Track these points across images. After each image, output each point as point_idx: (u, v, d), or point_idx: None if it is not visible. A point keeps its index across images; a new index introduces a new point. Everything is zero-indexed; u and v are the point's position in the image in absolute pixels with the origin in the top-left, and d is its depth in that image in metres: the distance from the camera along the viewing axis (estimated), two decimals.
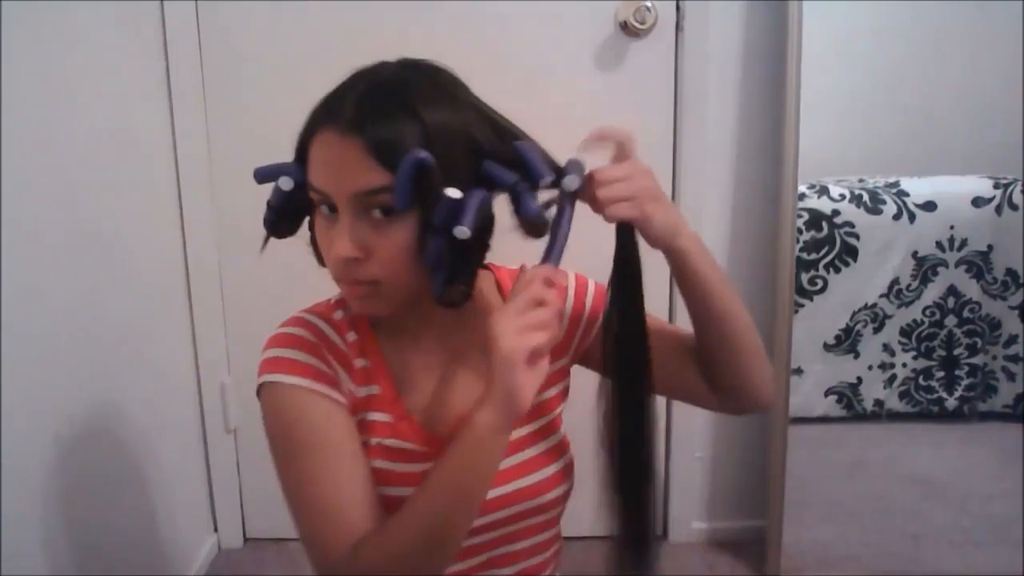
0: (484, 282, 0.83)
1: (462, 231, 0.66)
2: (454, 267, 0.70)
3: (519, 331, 0.66)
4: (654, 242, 0.73)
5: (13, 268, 1.04)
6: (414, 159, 0.65)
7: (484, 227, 0.72)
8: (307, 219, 0.78)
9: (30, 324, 1.08)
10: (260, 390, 0.77)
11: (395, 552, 0.70)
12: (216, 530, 1.78)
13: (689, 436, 1.74)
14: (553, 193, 0.73)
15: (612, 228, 0.75)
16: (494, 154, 0.70)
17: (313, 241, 0.77)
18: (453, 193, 0.67)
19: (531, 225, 0.71)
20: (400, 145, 0.66)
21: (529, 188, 0.70)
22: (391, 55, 0.76)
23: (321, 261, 0.77)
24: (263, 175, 0.75)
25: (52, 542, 1.13)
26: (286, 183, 0.73)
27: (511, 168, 0.70)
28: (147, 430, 1.46)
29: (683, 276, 0.76)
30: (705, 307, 0.78)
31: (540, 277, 0.69)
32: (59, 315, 1.17)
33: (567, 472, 0.85)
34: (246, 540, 1.81)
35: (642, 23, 1.52)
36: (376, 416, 0.78)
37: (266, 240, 0.78)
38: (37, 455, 1.10)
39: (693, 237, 0.75)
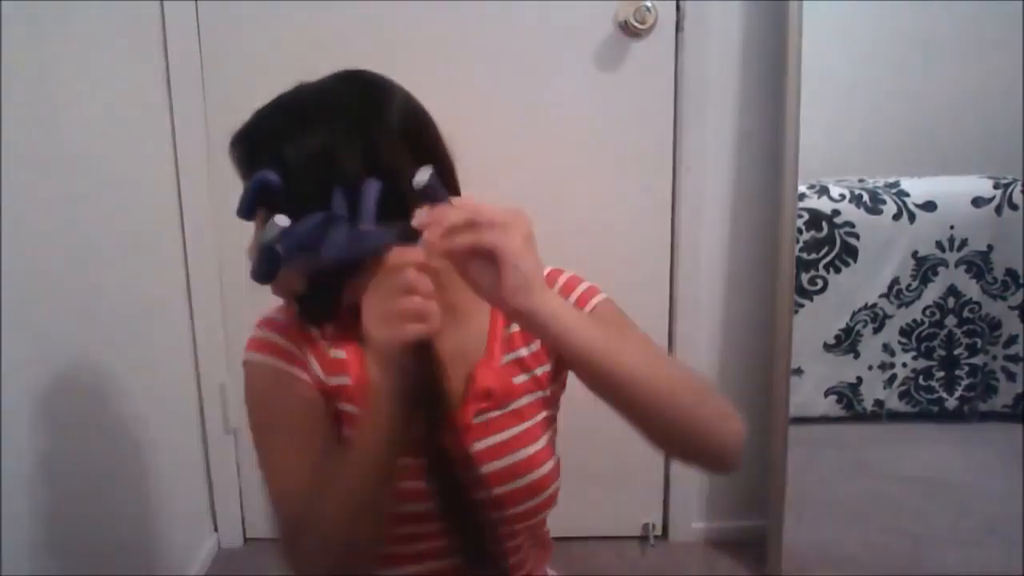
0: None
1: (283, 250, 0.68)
2: (310, 290, 0.74)
3: (388, 321, 0.63)
4: (511, 293, 0.60)
5: (12, 268, 1.03)
6: (257, 181, 0.71)
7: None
8: None
9: (29, 324, 1.08)
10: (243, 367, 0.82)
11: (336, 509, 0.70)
12: (216, 530, 1.78)
13: None
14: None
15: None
16: (348, 185, 0.70)
17: None
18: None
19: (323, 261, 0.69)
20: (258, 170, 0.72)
21: (347, 227, 0.68)
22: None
23: None
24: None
25: (52, 542, 1.13)
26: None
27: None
28: (147, 430, 1.46)
29: (559, 344, 0.64)
30: (603, 380, 0.65)
31: (410, 262, 0.62)
32: (59, 315, 1.17)
33: (544, 482, 0.82)
34: (246, 540, 1.81)
35: (642, 23, 1.52)
36: (347, 407, 0.80)
37: None
38: (36, 455, 1.10)
39: (559, 297, 0.65)
